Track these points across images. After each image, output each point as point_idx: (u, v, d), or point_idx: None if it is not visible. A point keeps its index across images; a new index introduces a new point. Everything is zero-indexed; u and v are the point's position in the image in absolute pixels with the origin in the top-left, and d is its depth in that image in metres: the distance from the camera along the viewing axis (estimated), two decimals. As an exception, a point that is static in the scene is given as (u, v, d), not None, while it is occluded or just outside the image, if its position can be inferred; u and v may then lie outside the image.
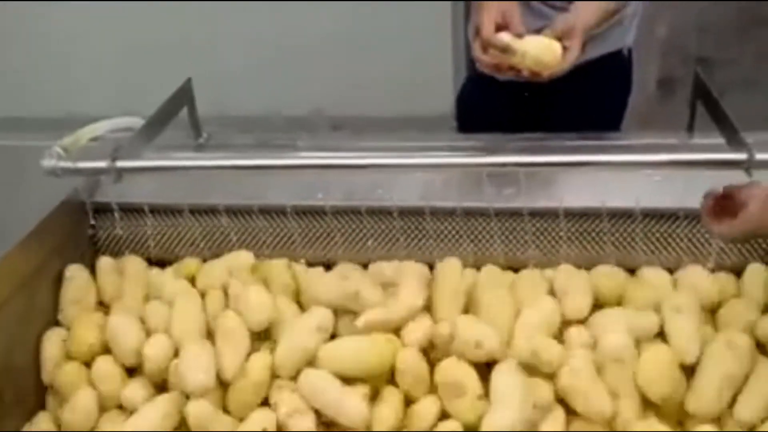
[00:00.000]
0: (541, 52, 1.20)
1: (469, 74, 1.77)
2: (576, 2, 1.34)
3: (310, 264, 1.28)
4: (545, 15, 1.49)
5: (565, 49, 1.23)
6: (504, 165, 1.15)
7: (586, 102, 1.54)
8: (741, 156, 1.04)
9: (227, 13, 3.14)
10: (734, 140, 1.08)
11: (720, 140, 1.12)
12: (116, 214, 1.29)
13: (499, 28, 1.24)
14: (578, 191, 1.23)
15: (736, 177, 1.05)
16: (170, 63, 2.81)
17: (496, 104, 1.62)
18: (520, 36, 1.21)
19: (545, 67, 1.20)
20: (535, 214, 1.22)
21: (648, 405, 1.08)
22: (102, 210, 1.30)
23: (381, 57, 3.03)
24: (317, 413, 1.10)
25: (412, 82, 3.01)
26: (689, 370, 1.09)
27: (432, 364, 1.12)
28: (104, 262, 1.29)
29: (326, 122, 3.18)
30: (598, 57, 1.53)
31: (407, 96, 3.06)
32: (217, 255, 1.29)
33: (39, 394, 1.20)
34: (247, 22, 3.13)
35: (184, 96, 1.32)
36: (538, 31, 1.37)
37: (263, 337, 1.17)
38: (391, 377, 1.12)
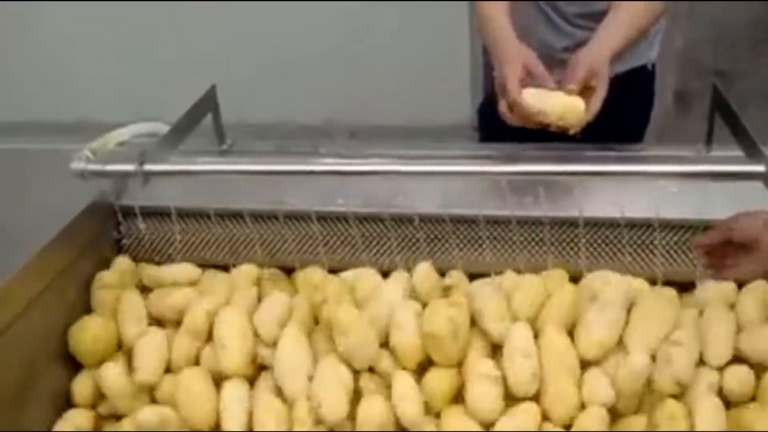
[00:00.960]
0: (564, 112, 1.19)
1: (488, 92, 1.78)
2: (598, 34, 1.31)
3: (333, 270, 1.29)
4: (570, 35, 1.51)
5: (592, 88, 1.22)
6: (525, 173, 1.17)
7: (610, 116, 1.55)
8: (759, 168, 1.05)
9: (242, 22, 3.17)
10: (753, 152, 1.09)
11: (738, 152, 1.14)
12: (142, 217, 1.31)
13: (524, 80, 1.22)
14: (597, 201, 1.24)
15: (755, 189, 1.07)
16: (187, 71, 2.84)
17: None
18: (549, 88, 1.20)
19: (570, 125, 1.19)
20: (555, 222, 1.24)
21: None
22: (128, 213, 1.33)
23: (398, 65, 3.05)
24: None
25: (428, 90, 3.03)
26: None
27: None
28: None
29: (342, 131, 3.20)
30: (624, 72, 1.53)
31: (424, 105, 3.07)
32: (240, 259, 1.31)
33: (66, 393, 1.22)
34: (262, 30, 3.16)
35: (208, 103, 1.35)
36: (566, 50, 1.43)
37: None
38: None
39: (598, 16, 1.46)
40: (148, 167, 1.13)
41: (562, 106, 1.19)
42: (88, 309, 1.26)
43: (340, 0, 2.99)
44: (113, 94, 3.27)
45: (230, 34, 3.19)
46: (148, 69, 3.26)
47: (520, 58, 1.24)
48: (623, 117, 1.57)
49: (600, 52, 1.25)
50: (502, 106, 1.25)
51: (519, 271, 1.24)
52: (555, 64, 1.54)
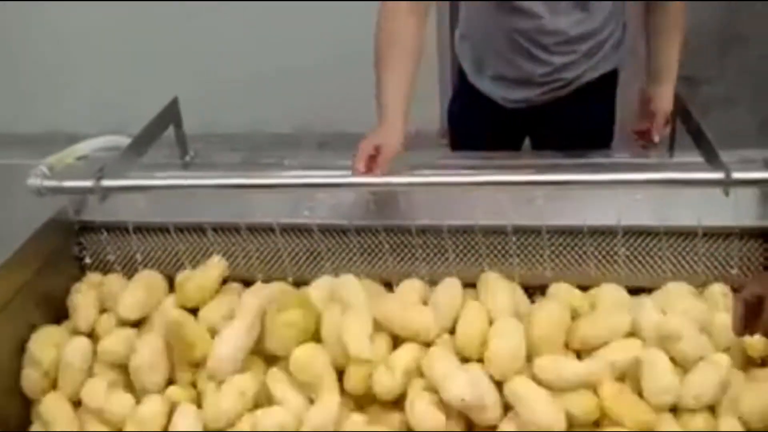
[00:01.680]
0: None
1: (458, 89, 1.79)
2: (661, 75, 1.55)
3: (296, 283, 1.28)
4: (548, 62, 1.53)
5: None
6: (488, 184, 1.17)
7: (583, 118, 1.58)
8: (719, 175, 1.06)
9: (213, 32, 3.15)
10: (713, 159, 1.10)
11: (700, 159, 1.15)
12: (102, 233, 1.29)
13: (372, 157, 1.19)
14: (561, 209, 1.24)
15: (717, 194, 1.07)
16: (156, 80, 2.82)
17: (487, 119, 1.65)
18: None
19: None
20: (519, 231, 1.24)
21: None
22: (89, 228, 1.31)
23: (366, 74, 3.05)
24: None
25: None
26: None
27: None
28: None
29: (312, 139, 3.20)
30: (597, 77, 1.56)
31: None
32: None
33: (22, 415, 1.20)
34: (233, 40, 3.15)
35: (170, 115, 1.33)
36: (544, 75, 1.52)
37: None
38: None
39: (575, 41, 1.50)
40: (106, 183, 1.12)
41: None
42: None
43: (307, 3, 3.00)
44: (81, 104, 3.25)
45: (201, 44, 3.17)
46: (117, 80, 3.23)
47: (377, 140, 1.21)
48: (596, 119, 1.61)
49: (670, 95, 1.45)
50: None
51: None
52: (534, 85, 1.58)
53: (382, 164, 1.19)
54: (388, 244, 1.27)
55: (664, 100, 1.52)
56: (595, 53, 1.54)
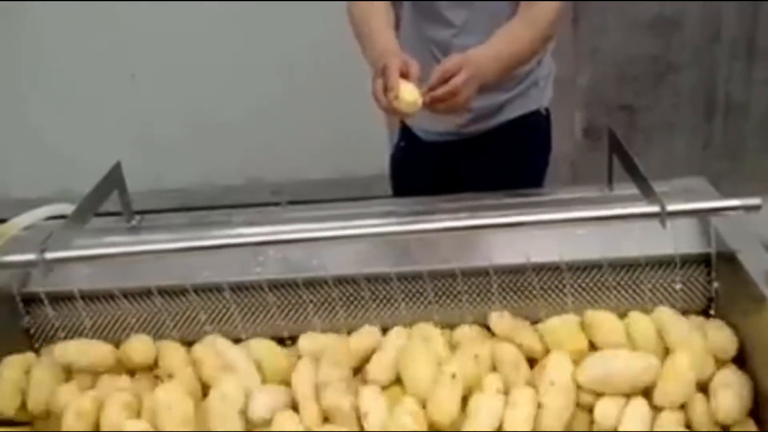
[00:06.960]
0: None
1: (398, 138, 1.82)
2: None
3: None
4: None
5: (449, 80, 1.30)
6: (434, 231, 1.18)
7: (508, 159, 1.60)
8: (654, 209, 1.09)
9: (160, 87, 3.16)
10: (648, 193, 1.13)
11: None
12: (47, 304, 1.28)
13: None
14: (506, 248, 1.26)
15: (655, 225, 1.10)
16: (105, 138, 2.81)
17: (423, 162, 1.68)
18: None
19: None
20: (466, 273, 1.26)
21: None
22: (34, 300, 1.29)
23: (315, 121, 3.08)
24: None
25: (347, 144, 3.06)
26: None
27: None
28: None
29: (265, 188, 3.21)
30: (518, 116, 1.60)
31: (344, 158, 3.11)
32: (155, 337, 1.29)
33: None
34: (181, 94, 3.15)
35: (114, 180, 1.33)
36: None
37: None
38: None
39: None
40: (50, 255, 1.11)
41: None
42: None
43: (253, 52, 3.02)
44: (33, 165, 3.21)
45: (148, 100, 3.17)
46: (68, 139, 3.21)
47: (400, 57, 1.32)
48: (521, 161, 1.63)
49: (458, 58, 1.32)
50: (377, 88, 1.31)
51: (435, 324, 1.25)
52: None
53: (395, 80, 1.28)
54: (337, 295, 1.28)
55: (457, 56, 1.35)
56: (510, 88, 1.58)
